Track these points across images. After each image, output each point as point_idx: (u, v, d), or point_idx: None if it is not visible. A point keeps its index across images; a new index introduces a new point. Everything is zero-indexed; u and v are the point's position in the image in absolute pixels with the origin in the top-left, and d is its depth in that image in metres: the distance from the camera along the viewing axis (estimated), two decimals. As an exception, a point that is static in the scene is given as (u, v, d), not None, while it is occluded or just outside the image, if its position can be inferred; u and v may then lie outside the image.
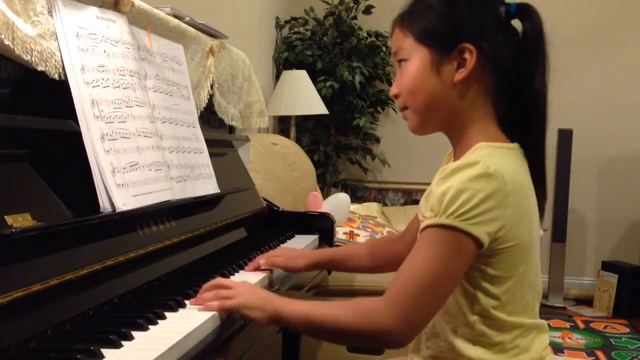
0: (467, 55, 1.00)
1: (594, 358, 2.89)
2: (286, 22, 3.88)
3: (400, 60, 1.06)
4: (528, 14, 1.03)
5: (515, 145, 1.04)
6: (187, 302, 1.01)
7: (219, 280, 1.06)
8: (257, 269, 1.29)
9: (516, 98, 1.04)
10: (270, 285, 1.27)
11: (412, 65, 1.04)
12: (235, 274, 1.27)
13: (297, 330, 1.11)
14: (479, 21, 1.02)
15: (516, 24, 1.05)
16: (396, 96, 1.08)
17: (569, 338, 3.18)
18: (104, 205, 1.01)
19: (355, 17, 3.87)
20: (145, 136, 1.16)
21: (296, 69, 3.49)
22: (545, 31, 1.03)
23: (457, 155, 1.06)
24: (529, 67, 1.02)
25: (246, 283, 1.07)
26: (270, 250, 1.43)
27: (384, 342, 0.98)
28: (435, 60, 1.02)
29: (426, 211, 0.97)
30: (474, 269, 0.98)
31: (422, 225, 0.97)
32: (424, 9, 1.05)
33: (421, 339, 1.07)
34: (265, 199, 1.85)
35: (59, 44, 1.00)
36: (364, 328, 0.94)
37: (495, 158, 0.97)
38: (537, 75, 1.02)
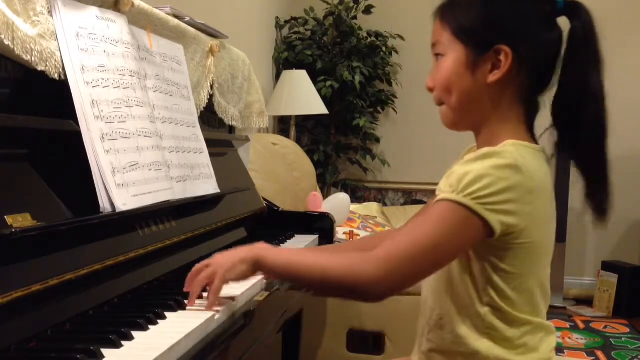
0: (502, 57, 0.98)
1: (594, 358, 2.89)
2: (286, 22, 3.88)
3: (437, 54, 1.04)
4: (577, 11, 1.00)
5: (541, 147, 1.03)
6: (187, 302, 1.01)
7: (194, 268, 1.02)
8: None
9: (570, 101, 1.00)
10: (270, 285, 1.27)
11: (447, 61, 1.02)
12: (235, 274, 1.27)
13: (279, 277, 1.10)
14: (519, 22, 1.00)
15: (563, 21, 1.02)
16: (430, 89, 1.06)
17: (569, 338, 3.18)
18: (104, 205, 1.01)
19: (355, 17, 3.87)
20: (145, 136, 1.16)
21: (296, 69, 3.49)
22: (597, 29, 0.99)
23: None
24: (582, 69, 0.99)
25: (219, 253, 1.04)
26: None
27: (361, 293, 0.95)
28: (471, 58, 1.00)
29: (445, 187, 0.95)
30: (485, 261, 0.97)
31: (437, 198, 0.96)
32: (465, 4, 1.03)
33: (423, 333, 1.06)
34: (265, 199, 1.85)
35: (59, 44, 1.00)
36: (346, 275, 0.93)
37: (524, 155, 0.97)
38: (591, 77, 0.99)
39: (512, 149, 0.97)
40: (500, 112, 1.02)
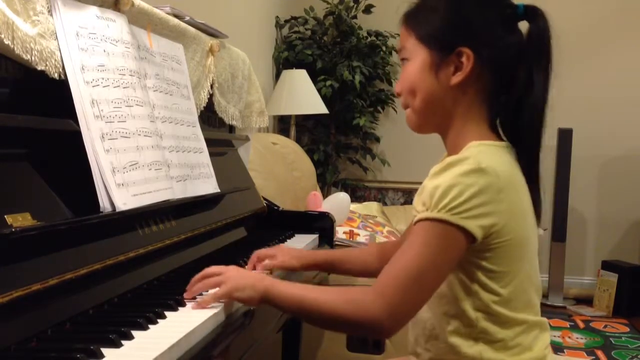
0: (464, 59, 1.01)
1: (594, 357, 2.89)
2: (286, 21, 3.88)
3: (403, 59, 1.07)
4: (535, 16, 1.03)
5: (506, 143, 1.05)
6: (187, 301, 1.01)
7: (207, 269, 1.04)
8: (254, 268, 1.29)
9: (513, 100, 1.03)
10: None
11: (412, 64, 1.05)
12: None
13: (286, 312, 1.11)
14: (481, 25, 1.02)
15: (523, 25, 1.04)
16: (398, 94, 1.10)
17: (569, 337, 3.18)
18: (104, 204, 1.01)
19: (355, 17, 3.87)
20: (145, 135, 1.16)
21: (296, 68, 3.49)
22: (551, 35, 1.02)
23: (450, 156, 1.06)
24: (530, 71, 1.02)
25: (235, 267, 1.06)
26: (267, 248, 1.42)
27: (372, 331, 1.00)
28: (434, 61, 1.03)
29: (418, 205, 0.98)
30: (471, 264, 0.99)
31: (415, 219, 0.98)
32: (429, 9, 1.06)
33: (420, 342, 1.07)
34: (265, 199, 1.85)
35: (58, 44, 1.00)
36: (353, 317, 0.95)
37: (487, 155, 0.98)
38: (537, 80, 1.02)
39: (475, 150, 0.99)
40: (463, 113, 1.04)
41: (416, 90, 1.05)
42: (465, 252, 0.97)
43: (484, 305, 0.99)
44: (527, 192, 1.05)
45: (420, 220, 0.96)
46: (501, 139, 1.06)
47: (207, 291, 1.03)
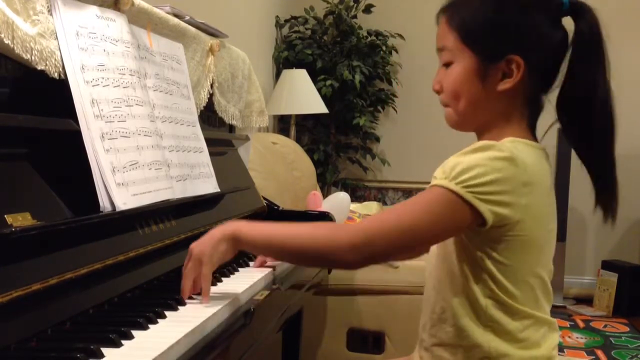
0: (514, 67, 0.99)
1: (593, 357, 2.90)
2: (286, 21, 3.88)
3: (446, 64, 1.04)
4: (582, 12, 1.00)
5: (542, 145, 1.04)
6: (187, 301, 1.01)
7: (183, 269, 1.04)
8: (263, 264, 1.30)
9: (576, 104, 1.01)
10: (273, 282, 1.28)
11: (457, 68, 1.02)
12: (236, 272, 1.27)
13: (258, 250, 1.13)
14: (530, 29, 0.99)
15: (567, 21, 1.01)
16: (437, 92, 1.06)
17: (569, 337, 3.18)
18: (104, 204, 1.01)
19: (355, 16, 3.86)
20: (145, 135, 1.16)
21: (296, 68, 3.49)
22: (602, 30, 0.99)
23: None
24: (590, 71, 0.99)
25: (195, 242, 1.05)
26: None
27: (335, 259, 0.98)
28: (481, 67, 1.00)
29: (438, 174, 0.96)
30: (481, 251, 0.98)
31: (430, 184, 0.96)
32: (473, 8, 1.01)
33: (426, 327, 1.07)
34: (265, 198, 1.85)
35: (58, 43, 1.00)
36: (325, 243, 0.95)
37: (520, 149, 0.97)
38: (599, 79, 0.99)
39: (510, 144, 0.98)
40: (506, 115, 1.03)
41: (460, 94, 1.02)
42: (475, 236, 0.96)
43: (493, 294, 0.99)
44: (554, 198, 1.04)
45: (434, 185, 0.95)
46: (537, 141, 1.04)
47: None
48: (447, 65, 1.04)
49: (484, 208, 0.92)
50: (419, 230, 0.94)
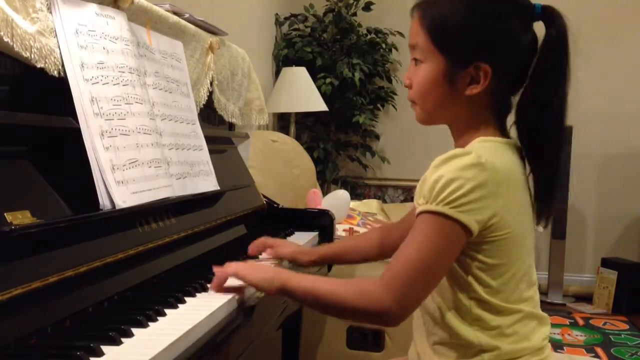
0: (481, 74, 1.00)
1: (593, 355, 2.90)
2: (286, 18, 3.88)
3: (414, 59, 1.06)
4: (553, 17, 1.01)
5: (512, 140, 1.05)
6: (187, 299, 1.01)
7: (220, 272, 1.07)
8: (261, 249, 1.35)
9: (533, 108, 1.02)
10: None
11: (426, 69, 1.04)
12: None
13: (301, 303, 1.16)
14: (501, 36, 1.00)
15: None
16: (407, 87, 1.08)
17: (569, 335, 3.18)
18: (104, 202, 1.01)
19: (355, 14, 3.86)
20: (144, 133, 1.16)
21: (296, 65, 3.49)
22: (569, 38, 1.01)
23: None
24: (550, 77, 1.01)
25: (246, 265, 1.09)
26: (278, 239, 1.43)
27: (381, 321, 1.01)
28: (450, 71, 1.02)
29: (419, 198, 0.99)
30: (466, 256, 1.00)
31: (417, 211, 0.99)
32: (446, 10, 1.02)
33: (429, 326, 1.08)
34: (265, 196, 1.85)
35: (58, 41, 1.00)
36: (363, 307, 0.97)
37: (488, 150, 0.99)
38: (557, 87, 1.01)
39: (478, 145, 1.01)
40: (473, 115, 1.05)
41: (428, 94, 1.04)
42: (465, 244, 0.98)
43: (476, 295, 1.01)
44: (527, 190, 1.05)
45: (421, 212, 0.97)
46: (507, 136, 1.06)
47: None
48: (417, 61, 1.05)
49: (468, 220, 0.94)
50: (433, 262, 0.96)
